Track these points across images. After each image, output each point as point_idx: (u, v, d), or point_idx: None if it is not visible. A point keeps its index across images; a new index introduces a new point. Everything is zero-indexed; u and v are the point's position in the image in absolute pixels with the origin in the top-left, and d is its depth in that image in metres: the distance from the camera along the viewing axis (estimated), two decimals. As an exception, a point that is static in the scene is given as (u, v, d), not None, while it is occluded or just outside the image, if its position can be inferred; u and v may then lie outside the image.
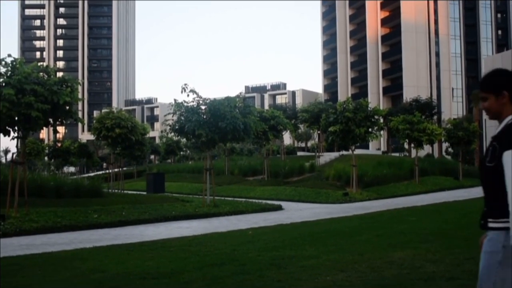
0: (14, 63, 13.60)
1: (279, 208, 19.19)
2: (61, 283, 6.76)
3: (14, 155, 15.27)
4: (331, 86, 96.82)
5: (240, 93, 20.58)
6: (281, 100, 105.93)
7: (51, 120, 14.25)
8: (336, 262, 7.59)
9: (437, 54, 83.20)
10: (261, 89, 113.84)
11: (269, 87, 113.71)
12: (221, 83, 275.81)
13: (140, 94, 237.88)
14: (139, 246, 10.16)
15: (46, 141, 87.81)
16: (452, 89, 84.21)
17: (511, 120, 2.97)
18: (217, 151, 53.16)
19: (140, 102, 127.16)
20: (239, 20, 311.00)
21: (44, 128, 14.60)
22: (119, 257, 8.72)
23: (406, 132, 28.82)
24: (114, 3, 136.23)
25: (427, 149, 54.53)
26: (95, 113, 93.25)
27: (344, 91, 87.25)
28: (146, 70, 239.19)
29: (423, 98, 61.26)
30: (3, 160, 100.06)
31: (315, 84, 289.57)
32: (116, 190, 25.59)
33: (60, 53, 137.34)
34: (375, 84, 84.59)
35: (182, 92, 17.89)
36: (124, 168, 35.00)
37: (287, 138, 60.23)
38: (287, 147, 52.65)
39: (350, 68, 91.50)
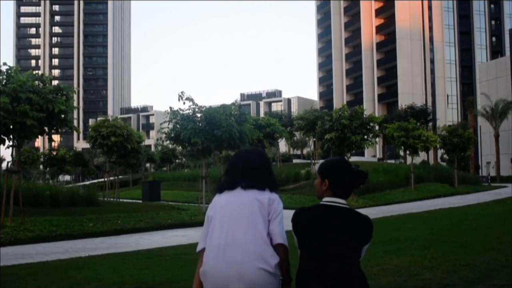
0: (9, 71, 13.55)
1: (275, 215, 19.08)
2: (56, 292, 6.72)
3: (9, 164, 15.18)
4: (326, 94, 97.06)
5: (236, 100, 20.51)
6: (276, 107, 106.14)
7: (46, 128, 14.19)
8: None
9: (432, 61, 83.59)
10: (256, 97, 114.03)
11: (265, 95, 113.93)
12: (216, 90, 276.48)
13: (136, 102, 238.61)
14: (135, 255, 10.11)
15: (41, 150, 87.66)
16: (447, 95, 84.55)
17: None
18: (212, 159, 53.14)
19: (135, 110, 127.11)
20: (234, 28, 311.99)
21: (39, 136, 14.54)
22: (114, 266, 8.68)
23: (402, 139, 28.87)
24: (110, 11, 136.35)
25: (422, 156, 54.75)
26: (91, 121, 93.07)
27: (340, 99, 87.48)
28: (141, 78, 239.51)
29: (418, 105, 61.47)
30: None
31: (311, 91, 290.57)
32: (111, 199, 25.49)
33: (55, 61, 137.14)
34: (370, 91, 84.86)
35: (179, 100, 17.88)
36: (120, 176, 34.81)
37: (282, 146, 60.27)
38: (282, 155, 52.66)
39: (345, 75, 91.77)
